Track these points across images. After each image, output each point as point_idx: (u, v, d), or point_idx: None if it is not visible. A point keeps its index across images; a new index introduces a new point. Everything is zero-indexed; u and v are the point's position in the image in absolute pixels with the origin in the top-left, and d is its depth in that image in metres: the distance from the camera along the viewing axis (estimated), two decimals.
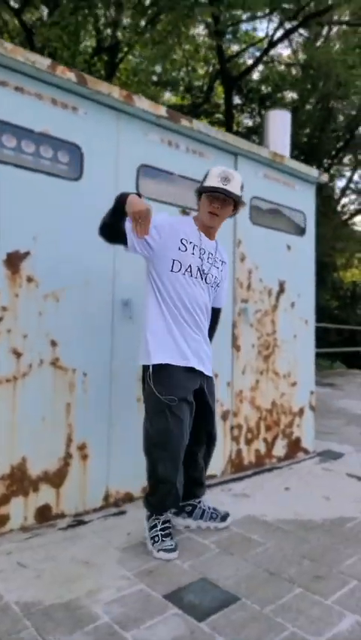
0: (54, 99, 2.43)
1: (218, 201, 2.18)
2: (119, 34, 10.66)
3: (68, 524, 2.43)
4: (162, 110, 2.77)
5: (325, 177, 3.98)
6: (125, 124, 2.71)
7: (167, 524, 2.20)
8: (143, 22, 9.88)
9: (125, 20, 10.74)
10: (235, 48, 11.29)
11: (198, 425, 2.34)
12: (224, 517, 2.44)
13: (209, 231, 2.29)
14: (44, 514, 2.44)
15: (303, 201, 3.88)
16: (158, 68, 11.33)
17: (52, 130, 2.43)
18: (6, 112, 2.27)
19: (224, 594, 1.82)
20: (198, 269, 2.22)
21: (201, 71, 12.76)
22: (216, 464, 3.25)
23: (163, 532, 2.16)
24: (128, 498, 2.78)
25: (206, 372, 2.32)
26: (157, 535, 2.15)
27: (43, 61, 2.29)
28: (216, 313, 2.48)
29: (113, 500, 2.71)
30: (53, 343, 2.48)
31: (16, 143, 2.33)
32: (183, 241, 2.19)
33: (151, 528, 2.19)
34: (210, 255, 2.29)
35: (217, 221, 2.24)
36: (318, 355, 11.61)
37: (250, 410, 3.52)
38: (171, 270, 2.17)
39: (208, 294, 2.31)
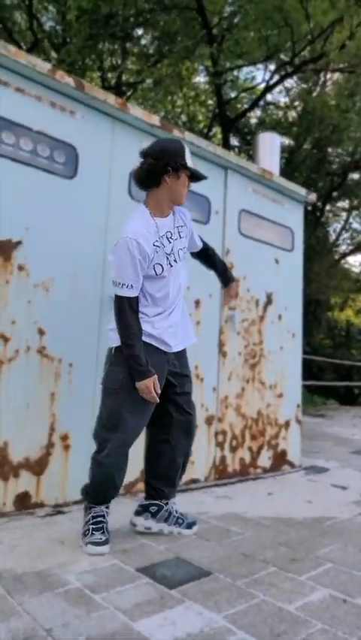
0: (53, 102, 2.61)
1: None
2: (123, 77, 11.32)
3: (47, 513, 2.41)
4: (156, 120, 2.96)
5: (313, 197, 4.17)
6: (121, 130, 2.89)
7: (100, 518, 2.03)
8: (146, 67, 10.51)
9: (129, 64, 11.43)
10: (232, 95, 11.96)
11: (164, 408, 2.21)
12: (190, 524, 2.23)
13: (168, 210, 2.16)
14: (23, 502, 2.42)
15: (291, 218, 4.05)
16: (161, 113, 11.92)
17: (50, 130, 2.60)
18: (6, 110, 2.44)
19: (197, 570, 1.81)
20: (167, 256, 2.11)
21: (201, 117, 13.42)
22: (200, 469, 3.24)
23: (95, 526, 1.99)
24: None
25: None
26: (88, 529, 1.99)
27: (44, 65, 2.48)
28: (208, 250, 2.49)
29: None
30: (41, 332, 2.54)
31: (14, 139, 2.48)
32: (155, 243, 2.08)
33: (85, 522, 2.04)
34: (171, 233, 2.14)
35: None
36: (312, 391, 11.62)
37: (236, 417, 3.53)
38: (156, 275, 2.10)
39: (182, 273, 2.23)
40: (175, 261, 2.15)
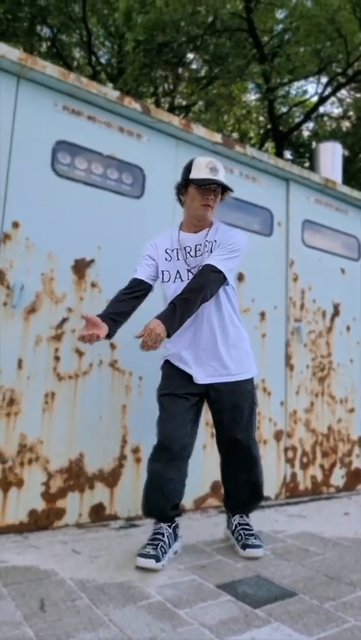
0: (121, 127, 2.72)
1: (211, 193, 2.08)
2: (176, 100, 11.66)
3: (121, 526, 2.43)
4: (218, 137, 3.01)
5: None
6: (184, 150, 2.96)
7: (156, 535, 1.98)
8: (197, 90, 10.78)
9: (182, 88, 11.77)
10: (284, 109, 11.96)
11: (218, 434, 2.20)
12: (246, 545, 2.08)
13: (196, 226, 2.16)
14: (98, 513, 2.46)
15: (356, 227, 3.93)
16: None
17: (118, 154, 2.71)
18: (80, 138, 2.58)
19: (280, 589, 1.74)
20: (188, 271, 2.12)
21: (252, 133, 13.50)
22: (270, 486, 3.15)
23: (149, 541, 1.95)
24: (180, 509, 2.74)
25: (213, 381, 2.11)
26: (144, 544, 1.98)
27: (113, 93, 2.60)
28: (205, 267, 2.06)
29: None
30: (112, 346, 2.61)
31: (87, 165, 2.61)
32: (168, 251, 2.17)
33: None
34: (197, 247, 2.13)
35: (210, 212, 2.12)
36: None
37: (305, 433, 3.42)
38: (163, 281, 2.18)
39: None
40: (186, 279, 2.13)
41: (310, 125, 12.44)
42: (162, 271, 2.17)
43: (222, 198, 2.18)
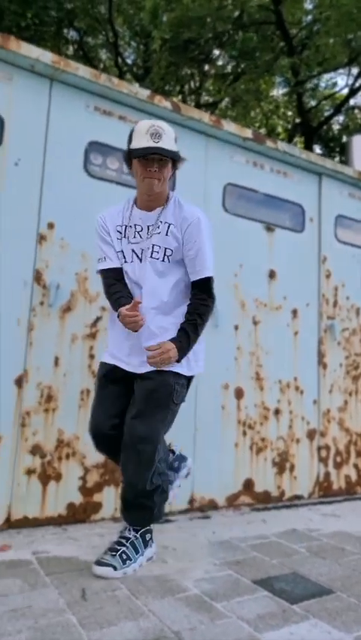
0: None
1: (154, 163, 1.80)
2: (203, 98, 11.63)
3: None
4: (248, 133, 2.99)
5: None
6: (214, 146, 2.96)
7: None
8: (224, 86, 10.72)
9: (208, 85, 11.74)
10: (313, 103, 11.75)
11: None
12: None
13: (148, 201, 1.90)
14: None
15: None
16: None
17: None
18: (111, 137, 2.61)
19: (317, 586, 1.73)
20: (133, 252, 1.91)
21: (280, 129, 13.34)
22: (303, 484, 3.13)
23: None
24: (213, 506, 2.76)
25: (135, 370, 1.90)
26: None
27: (144, 92, 2.63)
28: (196, 286, 1.91)
29: (197, 505, 2.71)
30: None
31: (118, 164, 2.65)
32: (118, 229, 1.95)
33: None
34: (150, 228, 1.90)
35: (158, 185, 1.84)
36: None
37: (339, 432, 3.37)
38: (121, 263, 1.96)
39: (153, 272, 1.88)
40: (149, 257, 1.88)
41: (341, 118, 12.19)
42: (117, 252, 1.94)
43: (175, 166, 1.90)
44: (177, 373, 1.87)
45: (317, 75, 9.82)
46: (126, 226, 1.93)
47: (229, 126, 2.93)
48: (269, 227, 3.16)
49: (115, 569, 1.74)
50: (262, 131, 13.04)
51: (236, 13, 8.89)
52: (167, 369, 1.84)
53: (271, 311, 3.13)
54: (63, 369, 2.40)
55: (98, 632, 1.35)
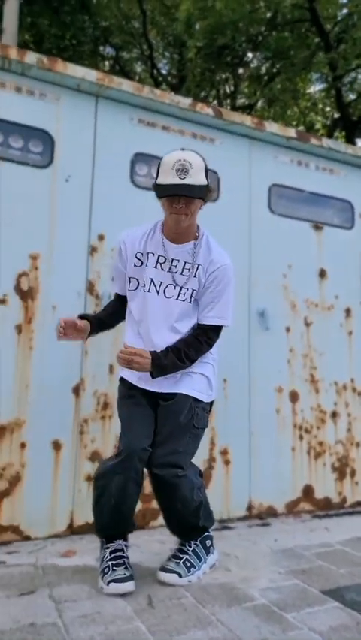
0: (194, 133, 2.76)
1: (180, 200, 1.73)
2: (238, 101, 11.60)
3: (214, 528, 2.44)
4: (292, 132, 2.95)
5: None
6: (257, 148, 2.94)
7: (119, 553, 1.74)
8: (260, 88, 10.64)
9: (243, 88, 11.69)
10: (353, 97, 11.44)
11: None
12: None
13: (176, 234, 1.86)
14: None
15: None
16: None
17: None
18: (155, 148, 2.65)
19: None
20: (152, 281, 1.86)
21: (319, 125, 13.07)
22: None
23: (114, 562, 1.71)
24: (272, 513, 2.71)
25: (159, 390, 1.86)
26: (107, 566, 1.70)
27: (185, 101, 2.65)
28: (200, 331, 1.87)
29: (256, 512, 2.67)
30: None
31: None
32: (138, 255, 1.88)
33: (101, 560, 1.76)
34: (186, 266, 1.86)
35: (185, 220, 1.79)
36: None
37: None
38: (129, 289, 1.92)
39: (177, 308, 1.85)
40: (176, 298, 1.85)
41: None
42: (129, 278, 1.89)
43: (205, 200, 1.81)
44: (196, 398, 1.85)
45: (355, 68, 9.55)
46: (149, 253, 1.87)
47: (272, 127, 2.90)
48: (317, 226, 3.09)
49: (180, 576, 1.74)
50: (300, 128, 12.83)
51: (269, 15, 8.82)
52: (185, 392, 1.83)
53: (323, 311, 3.05)
54: (117, 377, 2.43)
55: None
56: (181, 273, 1.85)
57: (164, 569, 1.77)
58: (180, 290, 1.85)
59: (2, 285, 2.26)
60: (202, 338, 1.85)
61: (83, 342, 2.03)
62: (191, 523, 1.85)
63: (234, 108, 11.26)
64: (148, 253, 1.87)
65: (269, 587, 1.72)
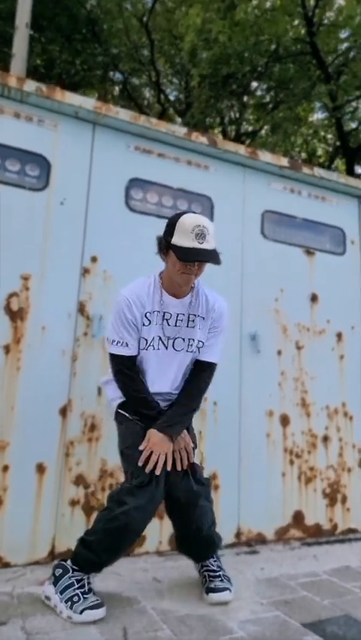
0: (189, 160, 2.83)
1: (195, 263, 1.79)
2: (243, 127, 11.86)
3: None
4: (284, 161, 3.02)
5: None
6: (251, 176, 3.00)
7: (84, 581, 1.76)
8: (263, 115, 10.89)
9: (247, 115, 11.96)
10: (353, 125, 11.67)
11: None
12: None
13: (177, 288, 1.90)
14: None
15: None
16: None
17: (187, 186, 2.81)
18: (151, 174, 2.71)
19: None
20: (160, 339, 1.90)
21: (320, 152, 13.30)
22: (358, 517, 2.97)
23: (82, 590, 1.71)
24: (261, 539, 2.66)
25: None
26: (76, 595, 1.69)
27: (180, 130, 2.73)
28: (200, 367, 1.97)
29: (244, 539, 2.62)
30: None
31: (158, 198, 2.74)
32: (147, 315, 1.89)
33: (62, 589, 1.73)
34: (179, 317, 1.92)
35: (193, 280, 1.86)
36: None
37: None
38: (140, 349, 1.92)
39: (187, 358, 1.96)
40: (185, 350, 1.93)
41: None
42: (140, 338, 1.90)
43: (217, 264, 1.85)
44: None
45: (355, 99, 9.79)
46: (155, 312, 1.89)
47: (265, 156, 2.96)
48: (309, 251, 3.13)
49: (230, 591, 1.84)
50: (303, 155, 13.05)
51: (272, 47, 9.09)
52: None
53: (315, 335, 3.06)
54: (105, 399, 2.43)
55: None
56: (187, 326, 1.93)
57: (214, 590, 1.83)
58: (189, 342, 1.94)
59: None
60: (207, 374, 1.99)
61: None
62: (211, 536, 1.96)
63: (238, 134, 11.51)
64: (155, 312, 1.90)
65: (249, 620, 1.69)
